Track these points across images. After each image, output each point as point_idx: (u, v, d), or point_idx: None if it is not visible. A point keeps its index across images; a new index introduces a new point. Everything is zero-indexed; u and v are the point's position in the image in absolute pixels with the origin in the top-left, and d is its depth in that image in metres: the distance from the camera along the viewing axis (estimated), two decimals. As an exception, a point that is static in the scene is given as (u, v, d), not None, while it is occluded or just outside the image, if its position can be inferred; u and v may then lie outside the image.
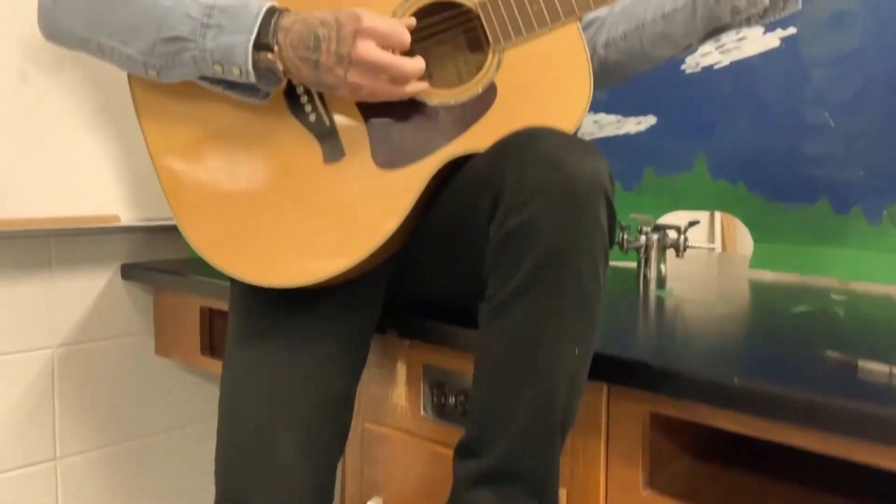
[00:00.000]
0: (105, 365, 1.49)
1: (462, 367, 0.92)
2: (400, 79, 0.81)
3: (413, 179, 0.83)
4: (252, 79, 0.78)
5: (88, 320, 1.46)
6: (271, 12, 0.78)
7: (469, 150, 0.84)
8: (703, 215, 1.50)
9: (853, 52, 1.22)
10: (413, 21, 0.84)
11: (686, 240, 1.27)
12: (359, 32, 0.76)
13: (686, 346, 0.92)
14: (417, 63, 0.81)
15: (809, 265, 1.30)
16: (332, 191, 0.84)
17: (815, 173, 1.29)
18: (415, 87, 0.82)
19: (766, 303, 1.23)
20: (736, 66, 1.36)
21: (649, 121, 1.50)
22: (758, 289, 1.36)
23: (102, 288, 1.48)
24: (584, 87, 0.83)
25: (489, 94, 0.85)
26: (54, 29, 0.85)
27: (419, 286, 0.95)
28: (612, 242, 0.75)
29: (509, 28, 0.84)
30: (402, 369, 1.02)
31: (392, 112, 0.85)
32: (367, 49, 0.76)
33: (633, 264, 1.33)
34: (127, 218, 1.47)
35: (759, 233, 1.39)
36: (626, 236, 1.28)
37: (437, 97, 0.85)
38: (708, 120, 1.41)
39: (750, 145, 1.37)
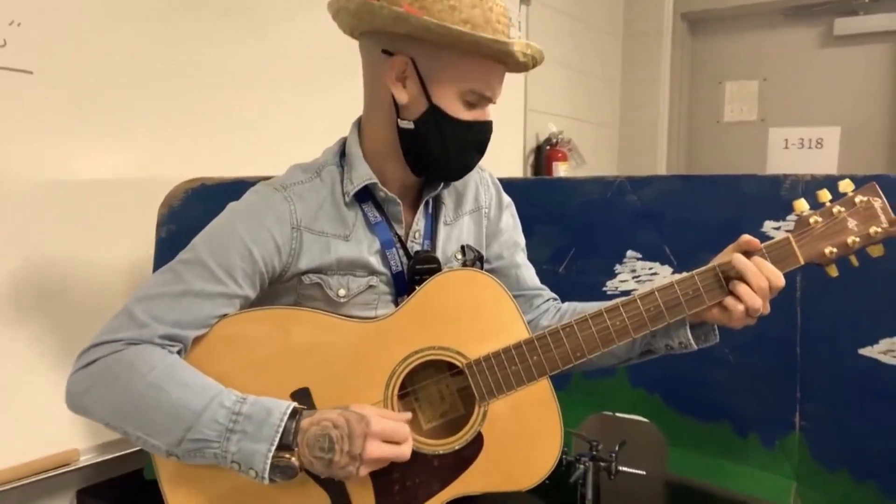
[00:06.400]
0: None
1: None
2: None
3: (414, 525, 0.96)
4: (265, 481, 0.87)
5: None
6: (293, 416, 0.89)
7: (462, 494, 0.98)
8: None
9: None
10: (409, 415, 0.97)
11: (617, 465, 1.45)
12: (368, 435, 0.88)
13: None
14: (406, 427, 0.94)
15: (716, 475, 1.53)
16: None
17: (719, 398, 1.52)
18: (408, 448, 0.93)
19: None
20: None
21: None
22: None
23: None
24: (555, 436, 1.01)
25: (477, 442, 1.00)
26: (81, 411, 0.92)
27: None
28: None
29: (493, 387, 1.00)
30: None
31: (393, 462, 0.97)
32: (376, 448, 0.89)
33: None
34: (85, 448, 1.50)
35: (674, 439, 1.60)
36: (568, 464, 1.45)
37: (433, 447, 0.99)
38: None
39: (664, 363, 1.58)
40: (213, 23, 1.70)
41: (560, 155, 2.96)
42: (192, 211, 1.45)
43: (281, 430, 0.87)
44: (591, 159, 3.25)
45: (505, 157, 2.79)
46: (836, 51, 3.34)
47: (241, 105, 1.75)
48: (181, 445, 0.88)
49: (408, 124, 1.00)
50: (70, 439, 1.48)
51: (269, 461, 0.87)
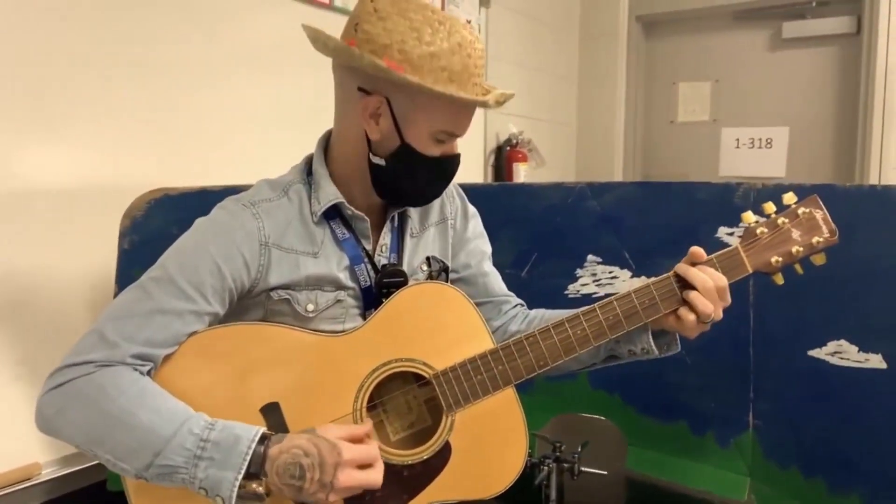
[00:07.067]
0: None
1: None
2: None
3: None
4: None
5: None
6: (261, 442, 0.89)
7: (431, 503, 1.00)
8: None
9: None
10: (371, 426, 0.98)
11: (579, 466, 1.50)
12: (340, 464, 0.89)
13: None
14: (375, 447, 0.94)
15: (674, 473, 1.58)
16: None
17: (676, 398, 1.57)
18: (379, 473, 0.93)
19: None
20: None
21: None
22: None
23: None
24: (521, 442, 1.03)
25: (445, 451, 1.02)
26: (52, 432, 0.91)
27: None
28: None
29: (459, 397, 1.02)
30: None
31: (364, 474, 0.99)
32: (348, 476, 0.89)
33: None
34: (47, 462, 1.48)
35: (633, 438, 1.65)
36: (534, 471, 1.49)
37: (402, 457, 1.01)
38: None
39: (623, 365, 1.63)
40: (172, 26, 1.68)
41: (520, 156, 2.99)
42: (154, 222, 1.44)
43: (249, 457, 0.87)
44: (549, 159, 3.30)
45: (466, 159, 2.79)
46: (784, 53, 3.44)
47: (202, 109, 1.74)
48: (149, 470, 0.88)
49: (379, 160, 1.02)
50: (32, 453, 1.46)
51: (235, 489, 0.87)
